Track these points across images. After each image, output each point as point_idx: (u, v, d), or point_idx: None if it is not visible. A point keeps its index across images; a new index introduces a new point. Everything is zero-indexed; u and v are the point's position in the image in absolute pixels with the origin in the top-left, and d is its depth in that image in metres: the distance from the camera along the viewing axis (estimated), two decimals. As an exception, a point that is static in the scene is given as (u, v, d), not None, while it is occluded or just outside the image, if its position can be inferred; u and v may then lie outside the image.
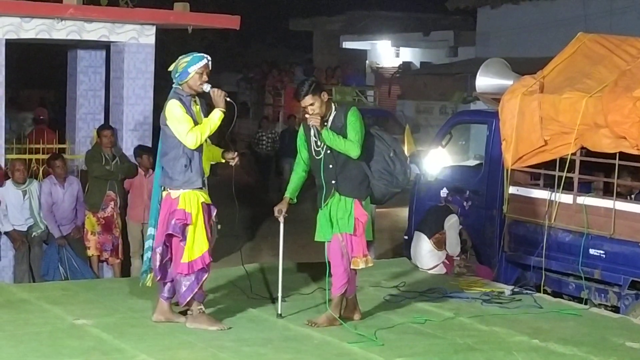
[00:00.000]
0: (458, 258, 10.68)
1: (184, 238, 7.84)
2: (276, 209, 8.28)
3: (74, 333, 7.65)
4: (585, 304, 9.71)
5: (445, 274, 10.49)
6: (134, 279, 11.07)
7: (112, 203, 11.67)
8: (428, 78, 26.65)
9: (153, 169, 11.92)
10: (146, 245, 8.35)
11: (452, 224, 10.64)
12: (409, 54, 31.82)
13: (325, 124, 8.03)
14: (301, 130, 8.36)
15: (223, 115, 7.89)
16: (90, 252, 11.65)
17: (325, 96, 8.07)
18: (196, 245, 7.88)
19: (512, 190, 10.57)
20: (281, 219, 8.32)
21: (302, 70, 29.28)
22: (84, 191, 11.78)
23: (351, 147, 7.95)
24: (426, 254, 10.56)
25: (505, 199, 10.61)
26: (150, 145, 12.16)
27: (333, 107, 8.15)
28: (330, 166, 8.07)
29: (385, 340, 7.74)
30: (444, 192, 11.00)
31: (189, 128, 7.76)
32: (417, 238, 10.72)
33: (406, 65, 30.69)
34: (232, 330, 7.88)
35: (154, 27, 11.96)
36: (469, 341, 7.84)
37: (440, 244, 10.57)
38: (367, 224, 8.19)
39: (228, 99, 7.94)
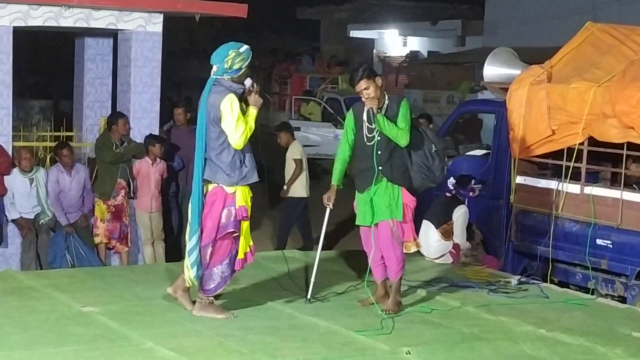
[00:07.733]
0: (467, 249, 10.68)
1: (240, 233, 7.87)
2: (325, 197, 8.44)
3: (81, 320, 7.66)
4: (592, 294, 9.70)
5: (452, 263, 10.49)
6: (141, 267, 11.11)
7: (123, 191, 11.65)
8: (435, 67, 26.60)
9: (162, 159, 11.96)
10: (192, 259, 7.78)
11: (460, 214, 10.63)
12: (417, 43, 31.75)
13: (379, 110, 8.19)
14: (350, 114, 8.50)
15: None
16: (98, 240, 11.64)
17: (379, 81, 8.26)
18: (245, 240, 7.95)
19: (519, 179, 10.55)
20: (330, 207, 8.46)
21: (308, 59, 29.20)
22: (92, 179, 11.78)
23: (402, 135, 8.18)
24: (433, 244, 10.54)
25: (512, 188, 10.60)
26: (157, 133, 12.16)
27: (386, 95, 8.33)
28: (380, 152, 8.24)
29: (392, 329, 7.74)
30: (450, 182, 10.98)
31: (243, 129, 7.66)
32: (425, 227, 10.69)
33: (413, 55, 30.65)
34: (239, 319, 7.89)
35: (162, 15, 11.95)
36: (475, 330, 7.84)
37: (447, 234, 10.55)
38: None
39: (266, 95, 8.00)
